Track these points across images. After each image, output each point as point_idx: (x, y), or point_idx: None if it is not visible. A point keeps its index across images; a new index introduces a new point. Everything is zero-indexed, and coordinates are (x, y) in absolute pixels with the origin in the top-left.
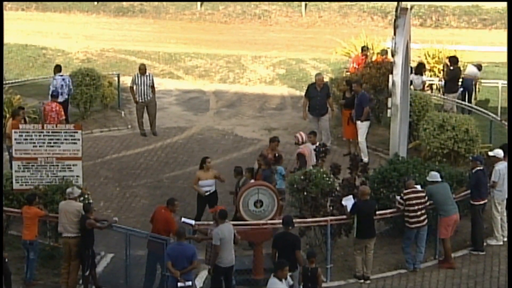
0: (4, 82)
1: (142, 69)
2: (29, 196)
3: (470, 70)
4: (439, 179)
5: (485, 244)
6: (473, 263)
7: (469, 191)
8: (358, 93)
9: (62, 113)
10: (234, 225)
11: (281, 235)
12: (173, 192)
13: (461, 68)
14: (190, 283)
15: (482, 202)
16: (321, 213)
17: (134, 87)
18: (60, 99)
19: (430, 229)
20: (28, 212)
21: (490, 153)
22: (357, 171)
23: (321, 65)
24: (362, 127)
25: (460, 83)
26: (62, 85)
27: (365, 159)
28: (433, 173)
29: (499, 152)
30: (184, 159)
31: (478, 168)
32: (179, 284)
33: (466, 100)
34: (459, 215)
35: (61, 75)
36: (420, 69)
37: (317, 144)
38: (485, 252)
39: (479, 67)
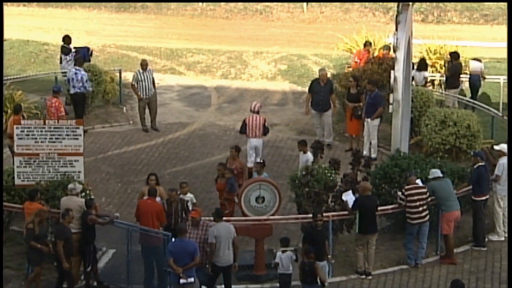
0: (5, 78)
1: (144, 65)
2: (31, 192)
3: (475, 65)
4: (440, 175)
5: (486, 239)
6: (474, 258)
7: (470, 187)
8: (373, 92)
9: (62, 109)
10: (236, 220)
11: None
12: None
13: (462, 64)
14: (192, 279)
15: (483, 198)
16: (323, 208)
17: (137, 84)
18: (72, 91)
19: (432, 225)
20: (30, 208)
21: (496, 147)
22: (359, 166)
23: (322, 60)
24: (375, 125)
25: (467, 80)
26: (73, 78)
27: (374, 155)
28: (433, 170)
29: (504, 147)
30: (186, 154)
31: (480, 163)
32: (181, 280)
33: (472, 96)
34: (461, 211)
35: (77, 69)
36: (422, 65)
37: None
38: (486, 247)
39: (479, 60)
